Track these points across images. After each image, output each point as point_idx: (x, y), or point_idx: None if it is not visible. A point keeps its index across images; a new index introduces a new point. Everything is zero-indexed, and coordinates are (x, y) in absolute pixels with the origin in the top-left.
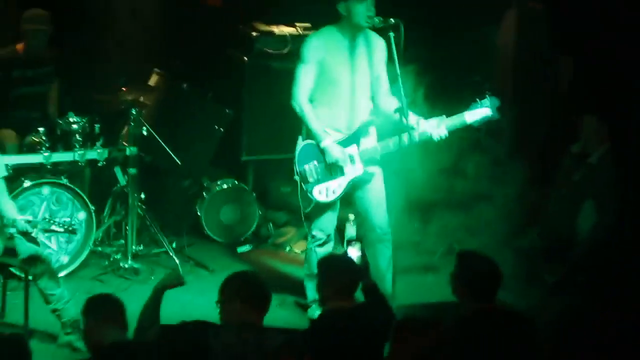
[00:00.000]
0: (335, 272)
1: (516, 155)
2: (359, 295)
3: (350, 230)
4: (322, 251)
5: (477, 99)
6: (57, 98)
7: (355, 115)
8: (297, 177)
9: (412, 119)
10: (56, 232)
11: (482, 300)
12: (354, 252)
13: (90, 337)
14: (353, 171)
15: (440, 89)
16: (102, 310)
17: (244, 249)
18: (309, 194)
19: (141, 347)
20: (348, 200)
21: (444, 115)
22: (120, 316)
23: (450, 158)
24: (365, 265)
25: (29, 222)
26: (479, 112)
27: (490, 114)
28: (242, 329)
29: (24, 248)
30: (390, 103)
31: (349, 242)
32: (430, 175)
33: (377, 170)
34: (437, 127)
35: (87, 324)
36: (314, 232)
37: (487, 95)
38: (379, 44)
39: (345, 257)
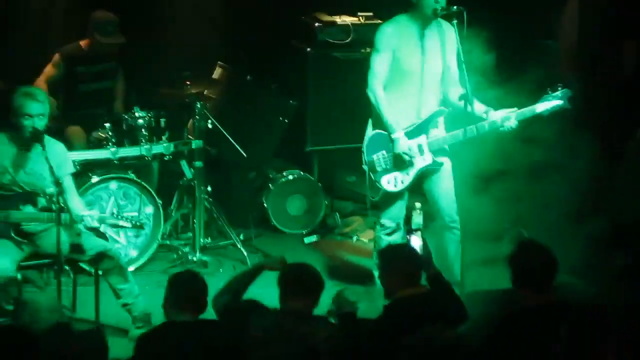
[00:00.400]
0: (398, 261)
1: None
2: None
3: (417, 219)
4: (391, 240)
5: (549, 91)
6: (122, 92)
7: (425, 104)
8: (365, 167)
9: (481, 108)
10: (124, 227)
11: (540, 292)
12: (416, 241)
13: (164, 306)
14: (422, 161)
15: (505, 55)
16: (180, 294)
17: (311, 239)
18: (377, 184)
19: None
20: (416, 188)
21: (516, 108)
22: (195, 304)
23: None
24: (428, 254)
25: (97, 217)
26: (551, 103)
27: (561, 103)
28: (285, 316)
29: (93, 244)
30: (458, 93)
31: (414, 231)
32: (499, 143)
33: (445, 160)
34: (507, 119)
35: (166, 297)
36: (382, 221)
37: (559, 88)
38: (450, 34)
39: (405, 246)
